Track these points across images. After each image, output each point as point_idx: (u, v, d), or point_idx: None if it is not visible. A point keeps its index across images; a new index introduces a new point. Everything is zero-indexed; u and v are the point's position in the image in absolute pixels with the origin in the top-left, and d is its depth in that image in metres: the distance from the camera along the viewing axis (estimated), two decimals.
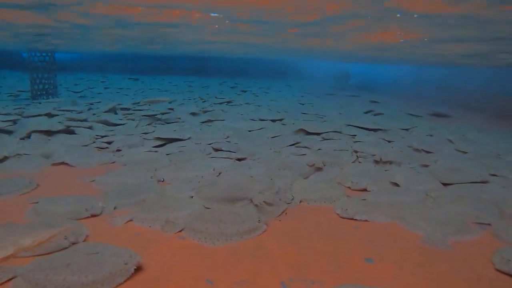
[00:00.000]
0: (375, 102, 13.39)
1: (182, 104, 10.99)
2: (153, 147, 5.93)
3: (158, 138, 6.22)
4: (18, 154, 5.22)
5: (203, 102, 11.67)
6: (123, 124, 7.64)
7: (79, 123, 7.09)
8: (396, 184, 4.57)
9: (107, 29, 8.48)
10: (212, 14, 6.98)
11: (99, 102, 10.65)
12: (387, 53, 12.13)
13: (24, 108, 8.67)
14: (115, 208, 3.69)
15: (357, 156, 5.73)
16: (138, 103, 9.98)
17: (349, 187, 4.53)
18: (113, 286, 2.46)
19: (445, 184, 4.64)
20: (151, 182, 4.33)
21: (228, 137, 6.75)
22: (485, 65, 13.18)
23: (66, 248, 2.84)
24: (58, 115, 8.05)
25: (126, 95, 13.21)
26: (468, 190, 4.37)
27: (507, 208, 3.94)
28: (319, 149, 5.99)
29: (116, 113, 8.75)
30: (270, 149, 5.96)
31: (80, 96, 12.22)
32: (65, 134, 6.42)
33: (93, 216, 3.52)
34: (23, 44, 11.90)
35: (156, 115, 8.43)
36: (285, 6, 6.07)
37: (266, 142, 6.56)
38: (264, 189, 3.93)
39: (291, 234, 3.32)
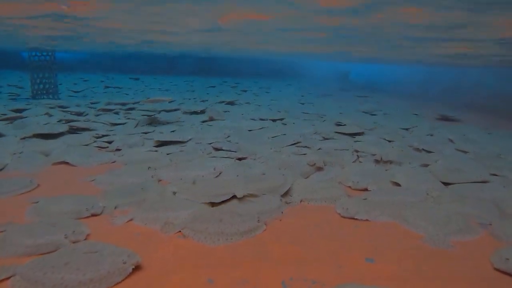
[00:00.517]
0: (374, 101, 13.40)
1: (182, 103, 10.99)
2: (154, 146, 5.93)
3: (158, 141, 6.15)
4: (19, 154, 5.22)
5: (202, 102, 11.66)
6: (123, 124, 7.64)
7: (80, 124, 7.08)
8: (397, 184, 4.57)
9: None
10: None
11: (99, 102, 10.66)
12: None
13: (24, 108, 8.67)
14: (115, 207, 3.69)
15: (357, 155, 5.73)
16: (138, 102, 9.98)
17: (349, 187, 4.53)
18: (111, 285, 2.46)
19: (445, 184, 4.64)
20: (151, 182, 4.33)
21: (228, 136, 6.75)
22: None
23: (65, 247, 2.84)
24: (56, 114, 8.06)
25: (126, 94, 13.21)
26: (469, 190, 4.37)
27: (507, 207, 3.94)
28: (319, 149, 5.99)
29: (117, 113, 8.75)
30: (271, 148, 5.95)
31: (82, 96, 12.23)
32: (65, 134, 6.42)
33: (94, 215, 3.52)
34: (23, 43, 11.90)
35: (156, 114, 8.43)
36: None
37: (266, 141, 6.55)
38: (278, 186, 4.07)
39: (292, 233, 3.32)
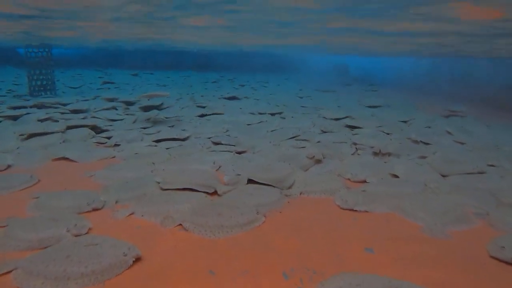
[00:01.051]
0: (374, 91, 13.40)
1: (180, 98, 10.98)
2: (153, 141, 5.94)
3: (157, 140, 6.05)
4: (18, 151, 5.23)
5: (201, 96, 11.65)
6: (122, 119, 7.64)
7: (78, 121, 7.06)
8: (395, 176, 4.60)
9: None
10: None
11: (98, 96, 10.63)
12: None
13: (22, 104, 8.64)
14: (116, 202, 3.72)
15: (356, 148, 5.76)
16: (136, 98, 9.95)
17: (348, 179, 4.56)
18: (112, 276, 2.51)
19: (443, 175, 4.68)
20: (151, 176, 4.35)
21: (227, 130, 6.77)
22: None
23: (66, 240, 2.87)
24: (55, 112, 8.05)
25: (124, 90, 13.18)
26: (466, 181, 4.42)
27: (504, 197, 3.99)
28: (318, 142, 6.02)
29: (115, 109, 8.74)
30: (270, 142, 5.98)
31: (79, 92, 12.19)
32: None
33: (95, 210, 3.54)
34: (19, 40, 11.83)
35: (154, 111, 8.42)
36: None
37: (265, 135, 6.58)
38: (285, 176, 4.25)
39: (292, 225, 3.36)
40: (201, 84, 15.55)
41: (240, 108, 9.32)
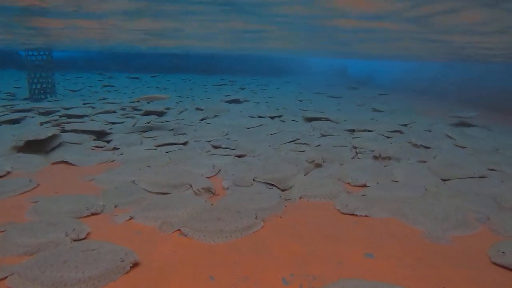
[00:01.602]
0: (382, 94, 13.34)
1: (180, 101, 10.98)
2: (153, 146, 5.92)
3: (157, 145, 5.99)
4: (18, 154, 5.21)
5: (201, 100, 11.66)
6: (122, 123, 7.63)
7: (78, 125, 7.03)
8: (396, 180, 4.59)
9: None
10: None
11: (101, 100, 10.64)
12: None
13: (22, 107, 8.64)
14: (115, 206, 3.70)
15: (356, 152, 5.75)
16: (134, 101, 9.93)
17: (348, 183, 4.55)
18: (109, 282, 2.49)
19: (444, 179, 4.67)
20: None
21: (227, 134, 6.76)
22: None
23: (63, 245, 2.85)
24: (54, 114, 8.05)
25: (124, 93, 13.18)
26: (467, 185, 4.40)
27: (505, 202, 3.97)
28: (318, 146, 6.01)
29: (115, 112, 8.74)
30: (269, 146, 5.97)
31: (79, 95, 12.20)
32: (62, 133, 6.40)
33: (94, 214, 3.52)
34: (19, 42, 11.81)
35: (153, 117, 8.41)
36: None
37: (265, 139, 6.57)
38: (291, 175, 4.42)
39: (292, 230, 3.34)
40: (201, 87, 15.56)
41: (240, 111, 9.32)
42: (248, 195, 3.86)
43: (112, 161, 5.25)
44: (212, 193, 4.06)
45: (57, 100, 10.63)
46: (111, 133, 6.62)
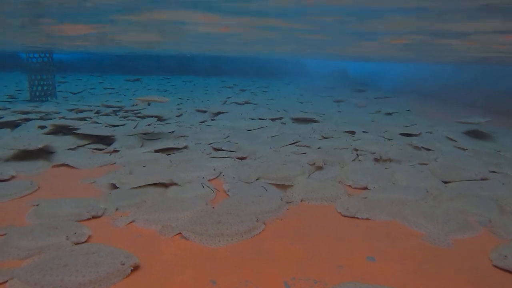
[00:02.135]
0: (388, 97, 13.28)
1: (181, 103, 10.99)
2: (154, 150, 5.91)
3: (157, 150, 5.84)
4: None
5: (202, 102, 11.67)
6: (123, 125, 7.63)
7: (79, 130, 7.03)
8: (397, 182, 4.58)
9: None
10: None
11: (102, 102, 10.64)
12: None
13: (22, 110, 8.64)
14: (116, 209, 3.70)
15: (357, 154, 5.74)
16: (134, 104, 9.91)
17: (350, 186, 4.54)
18: (110, 285, 2.48)
19: (445, 182, 4.66)
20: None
21: (228, 136, 6.76)
22: None
23: (63, 249, 2.84)
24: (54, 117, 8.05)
25: (124, 95, 13.19)
26: (468, 188, 4.39)
27: (507, 205, 3.96)
28: (319, 148, 6.00)
29: (116, 114, 8.74)
30: (270, 148, 5.96)
31: (80, 97, 12.21)
32: (63, 136, 6.40)
33: (95, 217, 3.52)
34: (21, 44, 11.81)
35: (154, 116, 8.41)
36: None
37: (266, 141, 6.56)
38: (296, 175, 4.57)
39: (293, 233, 3.34)
40: (202, 89, 15.58)
41: (241, 114, 9.31)
42: (249, 198, 3.86)
43: (113, 163, 5.25)
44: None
45: (58, 103, 10.63)
46: (113, 136, 6.61)
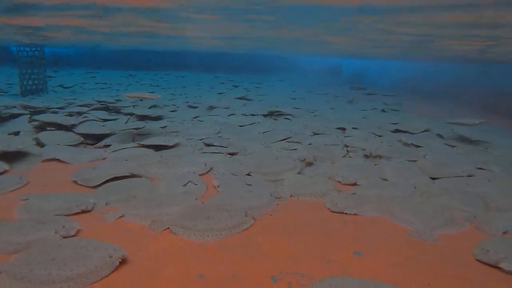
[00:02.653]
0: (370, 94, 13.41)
1: (173, 99, 10.95)
2: (143, 145, 5.89)
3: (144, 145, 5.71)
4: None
5: (194, 97, 11.63)
6: (115, 120, 7.59)
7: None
8: (385, 178, 4.64)
9: None
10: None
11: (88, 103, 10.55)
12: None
13: (11, 104, 8.55)
14: (106, 204, 3.70)
15: (347, 150, 5.79)
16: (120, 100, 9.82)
17: (339, 182, 4.59)
18: (98, 279, 2.50)
19: (433, 178, 4.73)
20: (142, 178, 4.34)
21: (219, 132, 6.76)
22: None
23: (51, 243, 2.84)
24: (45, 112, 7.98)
25: (117, 90, 13.11)
26: (455, 184, 4.46)
27: (492, 201, 4.03)
28: (310, 144, 6.03)
29: (107, 109, 8.69)
30: (261, 144, 5.98)
31: (71, 92, 12.10)
32: (55, 131, 6.36)
33: (84, 212, 3.52)
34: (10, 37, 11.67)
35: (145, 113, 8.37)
36: None
37: (257, 137, 6.58)
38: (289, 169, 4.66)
39: (282, 228, 3.37)
40: (195, 85, 15.52)
41: (233, 109, 9.31)
42: (238, 193, 3.88)
43: (104, 158, 5.23)
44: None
45: (49, 97, 10.53)
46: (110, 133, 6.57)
